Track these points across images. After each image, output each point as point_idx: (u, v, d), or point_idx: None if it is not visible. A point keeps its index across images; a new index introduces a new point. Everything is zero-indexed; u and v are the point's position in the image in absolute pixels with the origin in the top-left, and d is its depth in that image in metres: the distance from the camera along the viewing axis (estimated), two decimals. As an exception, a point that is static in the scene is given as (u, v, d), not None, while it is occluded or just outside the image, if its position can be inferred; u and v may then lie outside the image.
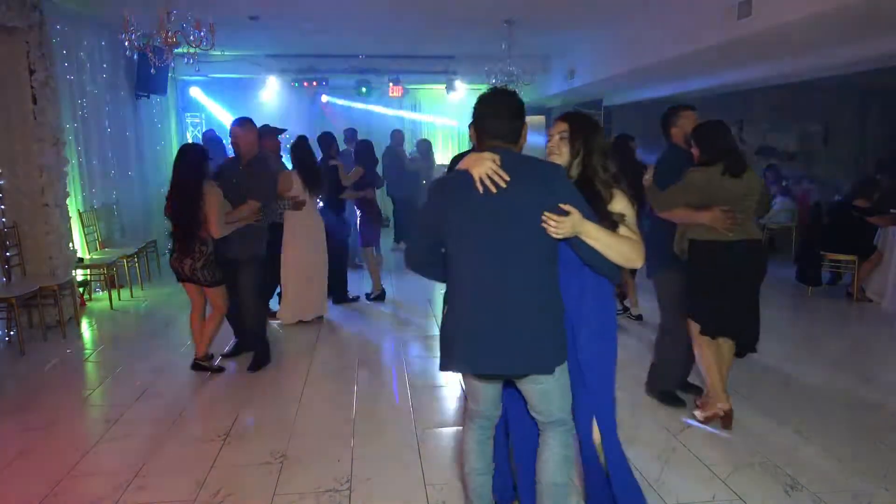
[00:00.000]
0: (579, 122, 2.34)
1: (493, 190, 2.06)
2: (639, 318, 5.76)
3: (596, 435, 2.42)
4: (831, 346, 5.03)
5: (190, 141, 10.11)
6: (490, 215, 2.09)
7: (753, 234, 3.45)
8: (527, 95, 10.82)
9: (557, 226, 2.03)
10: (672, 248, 3.58)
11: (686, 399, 3.83)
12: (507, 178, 2.05)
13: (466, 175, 2.11)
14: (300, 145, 5.63)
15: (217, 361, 4.65)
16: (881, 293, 6.20)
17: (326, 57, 10.11)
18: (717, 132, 3.43)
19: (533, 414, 2.31)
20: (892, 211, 6.30)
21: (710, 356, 3.49)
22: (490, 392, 2.34)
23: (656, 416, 3.71)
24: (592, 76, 8.93)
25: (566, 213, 2.04)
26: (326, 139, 6.43)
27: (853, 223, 6.44)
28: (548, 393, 2.23)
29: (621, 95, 11.05)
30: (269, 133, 5.85)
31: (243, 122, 4.49)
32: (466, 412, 2.44)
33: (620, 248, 2.14)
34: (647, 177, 3.65)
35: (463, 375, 2.34)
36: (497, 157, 2.09)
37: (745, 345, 3.55)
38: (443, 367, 2.27)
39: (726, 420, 3.51)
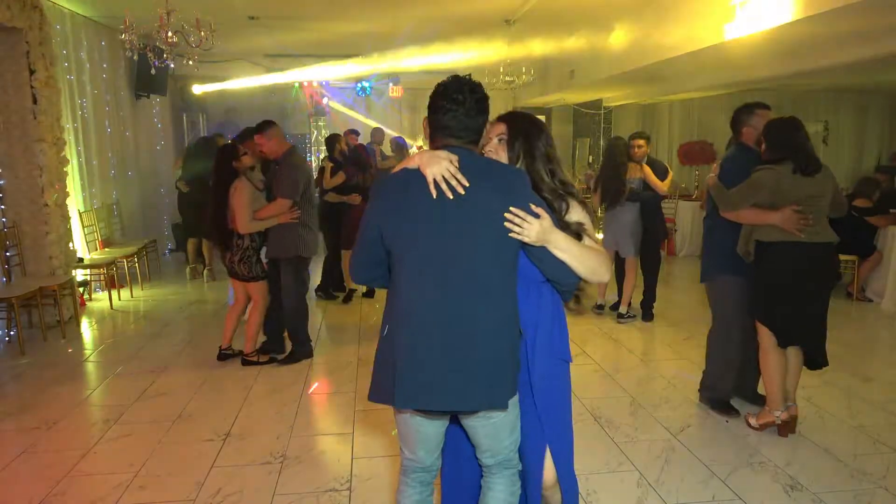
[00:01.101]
0: (518, 123, 2.05)
1: (450, 195, 1.77)
2: (600, 307, 5.92)
3: (548, 475, 2.10)
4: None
5: (189, 142, 10.11)
6: (443, 223, 1.79)
7: (827, 237, 3.27)
8: (527, 95, 10.90)
9: (523, 226, 1.77)
10: (730, 252, 3.46)
11: (740, 407, 3.73)
12: (467, 183, 1.77)
13: (417, 174, 1.81)
14: None
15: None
16: (881, 293, 6.20)
17: (326, 57, 10.12)
18: (787, 129, 3.27)
19: (479, 455, 2.01)
20: (892, 211, 6.30)
21: (773, 364, 3.36)
22: (431, 433, 1.96)
23: (656, 416, 3.71)
24: (592, 76, 8.93)
25: (535, 215, 1.79)
26: (330, 140, 6.57)
27: (853, 223, 6.44)
28: (499, 429, 1.92)
29: (621, 95, 11.06)
30: (251, 134, 5.98)
31: (262, 128, 4.49)
32: (401, 464, 2.07)
33: (589, 261, 1.90)
34: (712, 175, 3.50)
35: (397, 412, 1.94)
36: (455, 158, 1.81)
37: (816, 359, 3.39)
38: (374, 398, 1.90)
39: (783, 428, 3.40)
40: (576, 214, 1.99)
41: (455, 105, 1.85)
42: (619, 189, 5.47)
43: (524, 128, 2.04)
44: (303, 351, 4.73)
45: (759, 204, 3.26)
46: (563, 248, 1.85)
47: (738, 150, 3.62)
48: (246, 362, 4.63)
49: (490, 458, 2.00)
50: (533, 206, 1.80)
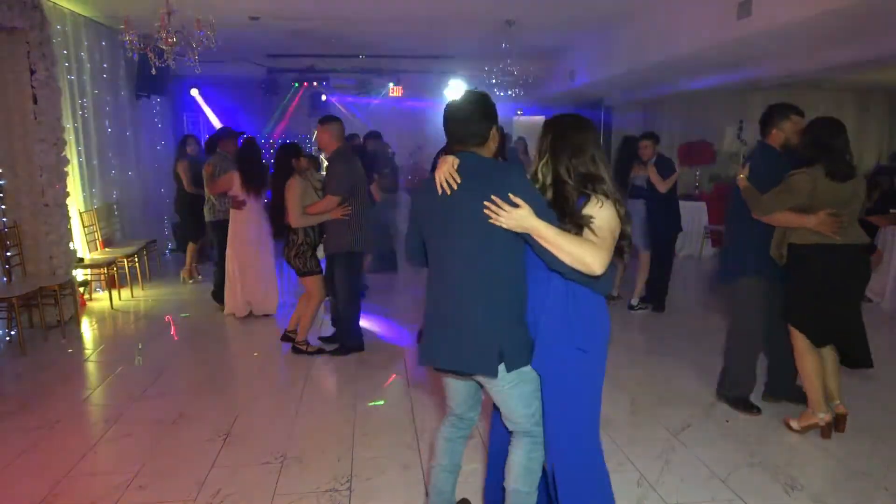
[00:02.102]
0: (551, 124, 2.24)
1: (448, 192, 2.13)
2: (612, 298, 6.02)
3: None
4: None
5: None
6: (444, 215, 2.18)
7: (860, 239, 3.33)
8: (527, 95, 10.90)
9: (499, 213, 2.00)
10: (751, 253, 3.51)
11: (762, 405, 3.76)
12: (458, 181, 2.12)
13: (433, 177, 2.22)
14: (245, 147, 5.78)
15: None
16: (881, 293, 6.20)
17: (326, 57, 10.11)
18: (827, 134, 3.25)
19: (502, 418, 2.32)
20: (892, 211, 6.30)
21: (810, 366, 3.37)
22: (460, 391, 2.38)
23: (656, 416, 3.71)
24: (592, 76, 8.93)
25: (513, 204, 1.99)
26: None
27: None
28: (507, 397, 2.22)
29: (621, 95, 11.06)
30: (227, 136, 6.23)
31: (322, 121, 4.67)
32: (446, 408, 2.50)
33: (572, 250, 1.99)
34: (742, 177, 3.49)
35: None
36: (457, 162, 2.16)
37: (859, 359, 3.40)
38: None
39: (826, 430, 3.39)
40: (590, 209, 2.09)
41: (457, 115, 2.21)
42: (621, 188, 5.54)
43: (554, 128, 2.21)
44: (354, 344, 4.86)
45: (793, 207, 3.27)
46: (542, 235, 2.01)
47: (763, 152, 3.60)
48: (296, 350, 4.83)
49: (510, 424, 2.30)
50: (512, 196, 2.01)
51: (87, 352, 5.14)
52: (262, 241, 5.83)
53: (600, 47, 8.56)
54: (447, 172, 2.13)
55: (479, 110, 2.20)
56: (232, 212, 5.72)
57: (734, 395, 3.79)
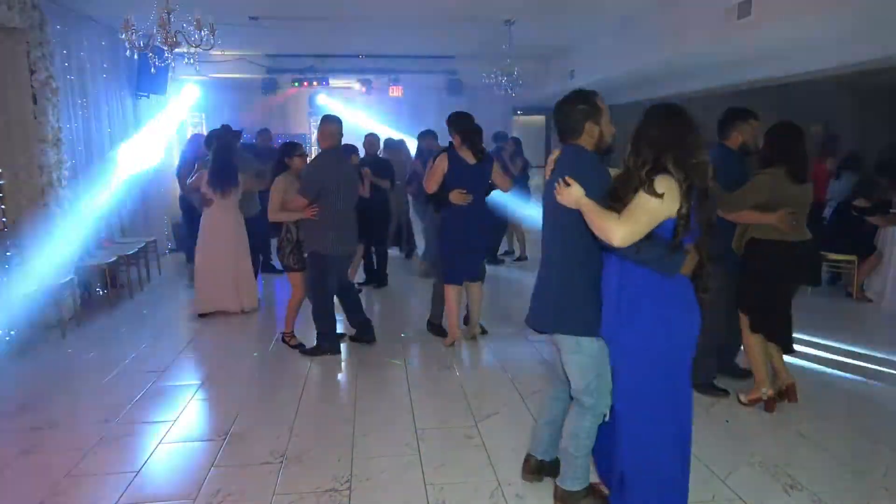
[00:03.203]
0: (646, 112, 2.39)
1: (547, 177, 2.56)
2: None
3: None
4: (831, 346, 5.03)
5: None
6: (544, 200, 2.61)
7: (808, 235, 3.61)
8: (527, 95, 10.91)
9: (560, 192, 2.34)
10: (716, 247, 3.66)
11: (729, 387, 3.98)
12: (552, 169, 2.53)
13: None
14: (218, 146, 5.86)
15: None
16: (881, 293, 6.20)
17: (326, 57, 10.12)
18: (790, 138, 3.54)
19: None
20: (891, 211, 6.30)
21: (756, 344, 3.68)
22: (557, 357, 2.71)
23: (656, 416, 3.71)
24: (592, 76, 8.93)
25: (566, 185, 2.34)
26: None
27: (853, 223, 6.43)
28: (567, 362, 2.57)
29: (621, 95, 11.05)
30: (226, 135, 6.31)
31: (322, 119, 4.81)
32: None
33: (596, 220, 2.25)
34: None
35: None
36: (557, 152, 2.60)
37: (788, 345, 3.70)
38: None
39: (770, 404, 3.69)
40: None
41: (555, 112, 2.58)
42: None
43: (641, 118, 2.39)
44: (326, 346, 4.84)
45: (756, 206, 3.54)
46: (584, 208, 2.30)
47: (723, 154, 3.80)
48: (283, 340, 5.04)
49: (571, 389, 2.62)
50: (567, 178, 2.33)
51: (87, 352, 5.13)
52: (233, 239, 5.88)
53: (600, 47, 8.57)
54: (550, 162, 2.57)
55: (573, 107, 2.51)
56: (204, 209, 5.83)
57: (700, 380, 3.91)
